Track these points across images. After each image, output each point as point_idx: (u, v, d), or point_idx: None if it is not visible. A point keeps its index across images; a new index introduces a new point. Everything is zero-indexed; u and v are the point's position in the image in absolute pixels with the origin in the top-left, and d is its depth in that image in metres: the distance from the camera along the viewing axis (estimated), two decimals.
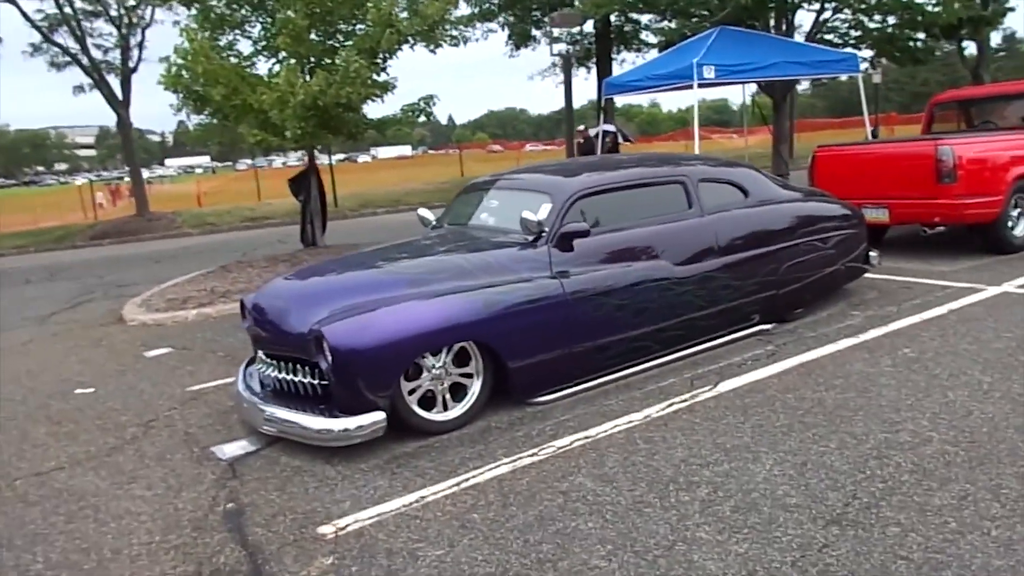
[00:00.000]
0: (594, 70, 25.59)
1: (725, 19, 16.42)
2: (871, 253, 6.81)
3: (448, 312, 4.41)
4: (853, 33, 19.75)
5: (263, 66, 11.58)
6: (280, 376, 4.63)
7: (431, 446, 4.38)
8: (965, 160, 7.80)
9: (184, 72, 10.13)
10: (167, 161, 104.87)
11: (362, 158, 79.43)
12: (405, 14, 10.13)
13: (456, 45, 11.02)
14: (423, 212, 6.29)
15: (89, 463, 4.62)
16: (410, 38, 10.13)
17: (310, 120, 9.75)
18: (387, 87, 10.59)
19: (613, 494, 3.61)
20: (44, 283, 13.13)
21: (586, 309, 4.86)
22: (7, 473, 4.57)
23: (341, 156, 59.93)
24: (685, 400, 4.72)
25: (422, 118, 11.29)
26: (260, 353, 4.89)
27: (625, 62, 25.91)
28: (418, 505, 3.68)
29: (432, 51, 10.63)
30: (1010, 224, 8.14)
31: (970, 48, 25.08)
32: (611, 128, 16.74)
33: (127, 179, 57.76)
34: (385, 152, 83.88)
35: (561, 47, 19.85)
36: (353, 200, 24.69)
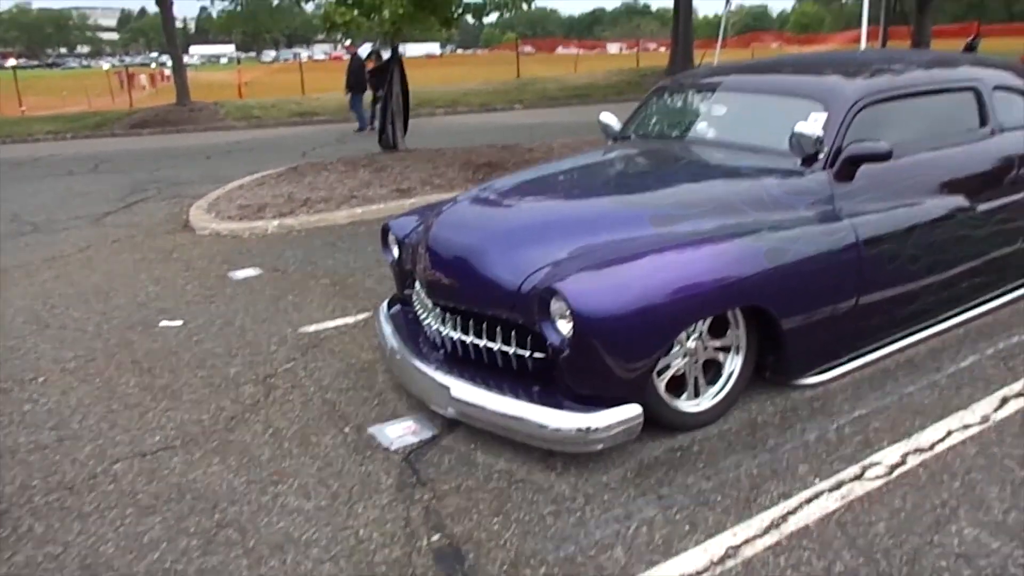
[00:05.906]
0: None
1: None
2: None
3: (724, 265, 3.08)
4: None
5: None
6: (466, 340, 3.35)
7: (689, 450, 3.14)
8: None
9: None
10: (191, 48, 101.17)
11: (386, 54, 75.37)
12: None
13: None
14: (606, 117, 4.86)
15: (207, 441, 3.43)
16: None
17: None
18: None
19: None
20: (88, 175, 11.81)
21: (878, 260, 3.52)
22: (100, 447, 3.41)
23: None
24: (1021, 394, 3.43)
25: (524, 5, 9.61)
26: (426, 299, 3.60)
27: None
28: (736, 565, 2.46)
29: None
30: None
31: None
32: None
33: (154, 65, 55.27)
34: (413, 50, 80.00)
35: None
36: None
